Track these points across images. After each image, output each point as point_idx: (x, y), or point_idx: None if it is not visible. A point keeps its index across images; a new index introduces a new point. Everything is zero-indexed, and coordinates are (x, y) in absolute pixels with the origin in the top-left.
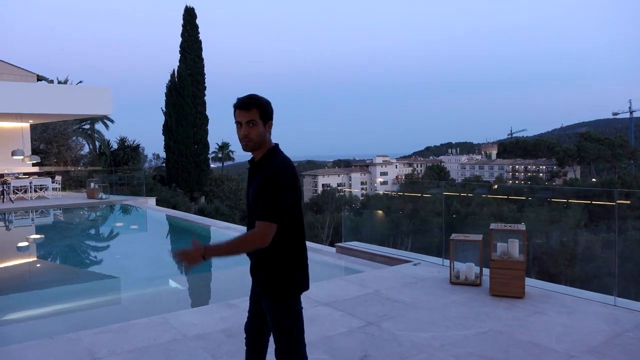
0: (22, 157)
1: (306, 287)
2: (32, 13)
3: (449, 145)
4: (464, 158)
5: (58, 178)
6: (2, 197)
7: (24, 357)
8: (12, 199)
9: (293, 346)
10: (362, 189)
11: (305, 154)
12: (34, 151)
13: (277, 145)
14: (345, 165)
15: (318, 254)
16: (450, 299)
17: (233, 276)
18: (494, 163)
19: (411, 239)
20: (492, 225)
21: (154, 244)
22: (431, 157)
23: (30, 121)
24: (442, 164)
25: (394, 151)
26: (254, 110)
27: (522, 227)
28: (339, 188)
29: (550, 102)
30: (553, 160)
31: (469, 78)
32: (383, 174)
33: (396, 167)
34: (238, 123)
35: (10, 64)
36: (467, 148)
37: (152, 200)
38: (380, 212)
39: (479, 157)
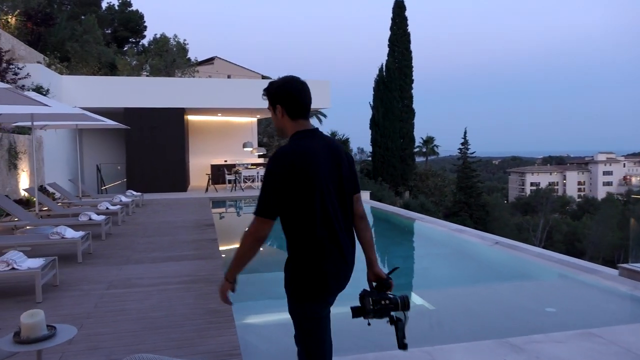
0: (251, 148)
1: (328, 295)
2: (259, 21)
3: None
4: None
5: None
6: (234, 185)
7: None
8: (243, 188)
9: (310, 355)
10: (579, 189)
11: (510, 150)
12: (259, 144)
13: (300, 131)
14: (557, 162)
15: (593, 275)
16: None
17: (500, 300)
18: None
19: None
20: None
21: (381, 244)
22: None
23: (258, 116)
24: None
25: (621, 147)
26: (266, 99)
27: None
28: (553, 187)
29: None
30: None
31: None
32: (607, 173)
33: (624, 166)
34: None
35: (240, 66)
36: None
37: (366, 194)
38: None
39: None
